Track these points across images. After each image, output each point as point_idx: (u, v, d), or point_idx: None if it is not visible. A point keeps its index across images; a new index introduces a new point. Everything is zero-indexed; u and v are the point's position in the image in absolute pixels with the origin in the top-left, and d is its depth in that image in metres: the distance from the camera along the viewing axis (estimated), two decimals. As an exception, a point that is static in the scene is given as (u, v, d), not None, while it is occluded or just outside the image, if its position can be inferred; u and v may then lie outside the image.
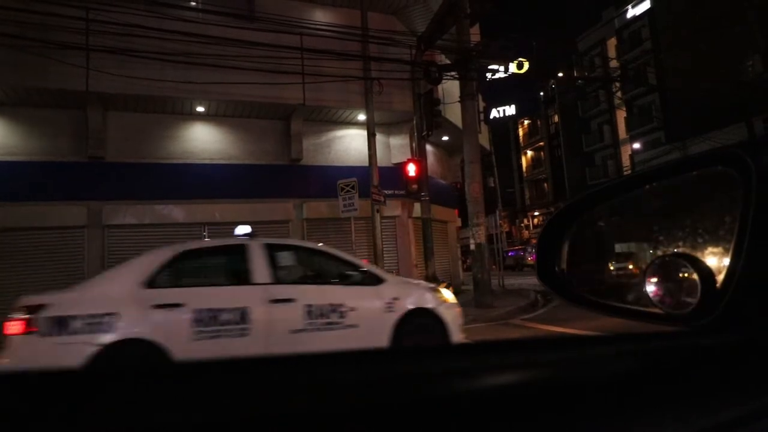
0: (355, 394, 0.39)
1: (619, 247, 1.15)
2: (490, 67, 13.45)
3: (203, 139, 10.84)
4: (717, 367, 0.57)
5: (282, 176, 11.23)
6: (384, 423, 0.38)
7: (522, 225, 46.72)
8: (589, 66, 38.87)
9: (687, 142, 26.68)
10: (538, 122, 45.32)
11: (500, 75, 13.38)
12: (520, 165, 47.66)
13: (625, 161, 35.32)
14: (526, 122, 47.16)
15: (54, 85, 8.98)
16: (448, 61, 12.08)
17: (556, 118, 42.76)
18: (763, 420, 0.52)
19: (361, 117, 11.40)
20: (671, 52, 31.29)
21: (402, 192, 11.30)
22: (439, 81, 11.15)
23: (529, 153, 46.98)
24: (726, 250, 0.67)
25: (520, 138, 47.83)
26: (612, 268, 1.09)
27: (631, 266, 1.01)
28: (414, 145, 11.61)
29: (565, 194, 40.49)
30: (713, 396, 0.53)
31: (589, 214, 1.01)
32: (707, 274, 0.68)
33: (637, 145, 33.69)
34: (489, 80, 13.89)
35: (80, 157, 9.79)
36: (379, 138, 12.11)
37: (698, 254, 0.73)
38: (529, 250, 37.74)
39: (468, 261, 17.96)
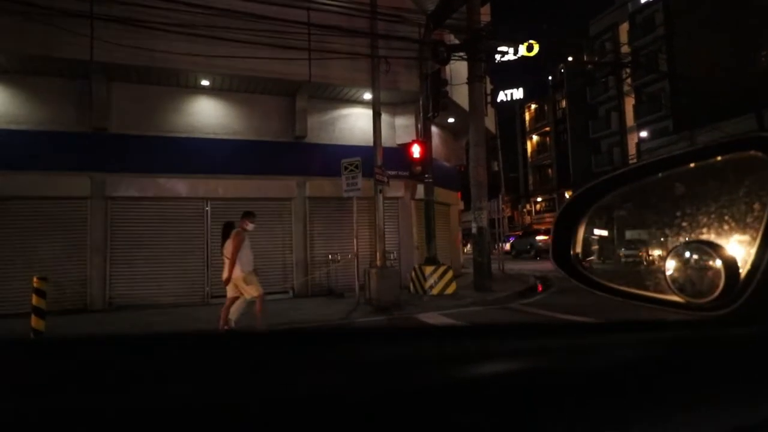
0: (343, 380, 0.37)
1: (631, 234, 1.13)
2: (499, 48, 13.25)
3: (207, 114, 10.76)
4: (738, 359, 0.55)
5: (285, 153, 11.18)
6: (375, 409, 0.36)
7: (525, 210, 46.64)
8: (600, 50, 38.22)
9: (695, 131, 26.39)
10: (545, 107, 44.82)
11: (509, 57, 13.18)
12: (525, 150, 47.32)
13: (632, 149, 35.01)
14: (533, 107, 46.64)
15: (58, 53, 8.88)
16: (457, 41, 11.90)
17: (564, 103, 42.25)
18: None
19: (367, 96, 11.28)
20: (684, 39, 30.74)
21: (405, 173, 11.23)
22: (447, 61, 11.00)
23: (535, 138, 46.59)
24: (753, 239, 0.65)
25: (527, 122, 47.38)
26: (621, 255, 1.07)
27: (641, 254, 0.98)
28: (419, 126, 11.50)
29: (570, 181, 40.26)
30: (732, 388, 0.51)
31: (607, 198, 0.97)
32: (731, 263, 0.66)
33: (644, 134, 33.34)
34: (498, 62, 13.70)
35: (84, 127, 9.74)
36: (384, 118, 11.98)
37: (723, 242, 0.71)
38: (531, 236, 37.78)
39: (469, 244, 18.00)
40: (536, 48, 12.79)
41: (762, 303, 0.60)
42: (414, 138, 11.28)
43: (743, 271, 0.64)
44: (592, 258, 1.03)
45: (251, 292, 6.38)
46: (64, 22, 8.46)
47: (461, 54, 11.01)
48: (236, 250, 6.27)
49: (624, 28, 36.84)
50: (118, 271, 9.84)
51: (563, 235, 0.97)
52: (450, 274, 10.37)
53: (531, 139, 46.93)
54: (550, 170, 44.03)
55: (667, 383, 0.47)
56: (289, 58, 9.90)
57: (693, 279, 0.70)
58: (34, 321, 6.32)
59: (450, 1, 9.88)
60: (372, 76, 10.10)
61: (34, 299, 6.34)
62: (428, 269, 10.27)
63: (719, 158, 0.78)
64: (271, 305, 9.96)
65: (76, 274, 9.56)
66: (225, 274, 6.36)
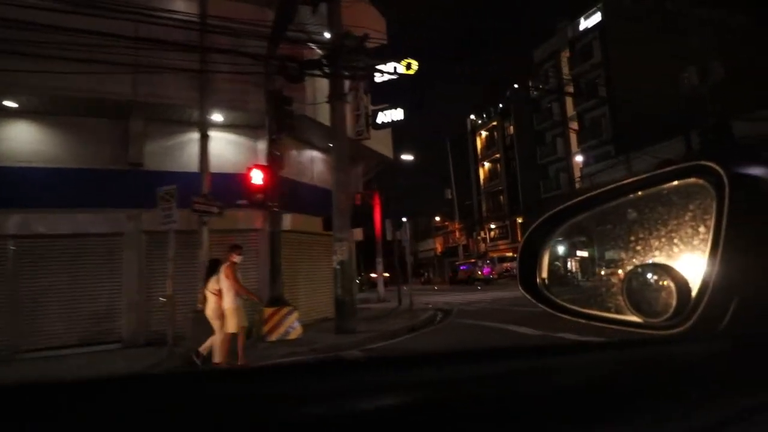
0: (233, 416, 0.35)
1: (610, 255, 1.15)
2: (378, 67, 12.37)
3: (17, 139, 9.39)
4: (691, 374, 0.57)
5: (118, 183, 9.82)
6: None
7: (479, 238, 45.79)
8: (544, 77, 38.44)
9: (631, 155, 26.36)
10: (495, 134, 44.66)
11: (388, 77, 12.29)
12: (478, 177, 46.82)
13: (577, 174, 34.73)
14: (484, 134, 46.48)
15: None
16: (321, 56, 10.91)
17: (512, 130, 42.15)
18: (734, 426, 0.52)
19: (215, 117, 10.15)
20: (619, 65, 31.08)
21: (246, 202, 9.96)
22: (299, 79, 9.95)
23: (487, 165, 46.21)
24: (701, 260, 0.69)
25: (478, 150, 47.08)
26: (601, 273, 1.13)
27: (619, 272, 1.00)
28: (273, 149, 10.31)
29: (520, 207, 39.66)
30: (686, 402, 0.53)
31: (566, 225, 1.03)
32: (682, 282, 0.70)
33: (579, 158, 33.26)
34: (378, 81, 12.82)
35: None
36: (236, 140, 10.89)
37: (674, 264, 0.75)
38: (480, 264, 36.60)
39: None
40: (415, 66, 11.92)
41: (711, 320, 0.63)
42: (263, 162, 10.08)
43: (694, 291, 0.68)
44: (573, 278, 1.14)
45: (231, 327, 6.40)
46: None
47: (316, 71, 9.98)
48: (236, 279, 6.47)
49: (566, 55, 37.16)
50: None
51: (528, 262, 1.03)
52: (295, 315, 9.03)
53: (483, 166, 46.52)
54: (502, 197, 43.48)
55: (622, 400, 0.49)
56: (107, 73, 8.70)
57: (649, 300, 0.75)
58: None
59: (284, 9, 8.84)
60: (200, 94, 8.97)
61: None
62: (267, 311, 8.92)
63: (666, 185, 0.82)
64: (71, 360, 8.43)
65: None
66: (226, 304, 6.43)
